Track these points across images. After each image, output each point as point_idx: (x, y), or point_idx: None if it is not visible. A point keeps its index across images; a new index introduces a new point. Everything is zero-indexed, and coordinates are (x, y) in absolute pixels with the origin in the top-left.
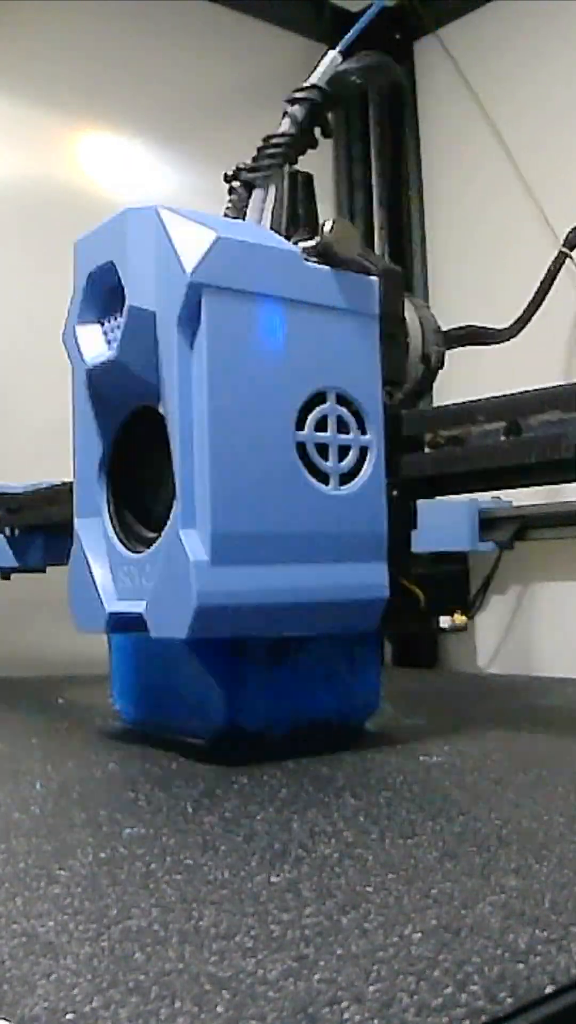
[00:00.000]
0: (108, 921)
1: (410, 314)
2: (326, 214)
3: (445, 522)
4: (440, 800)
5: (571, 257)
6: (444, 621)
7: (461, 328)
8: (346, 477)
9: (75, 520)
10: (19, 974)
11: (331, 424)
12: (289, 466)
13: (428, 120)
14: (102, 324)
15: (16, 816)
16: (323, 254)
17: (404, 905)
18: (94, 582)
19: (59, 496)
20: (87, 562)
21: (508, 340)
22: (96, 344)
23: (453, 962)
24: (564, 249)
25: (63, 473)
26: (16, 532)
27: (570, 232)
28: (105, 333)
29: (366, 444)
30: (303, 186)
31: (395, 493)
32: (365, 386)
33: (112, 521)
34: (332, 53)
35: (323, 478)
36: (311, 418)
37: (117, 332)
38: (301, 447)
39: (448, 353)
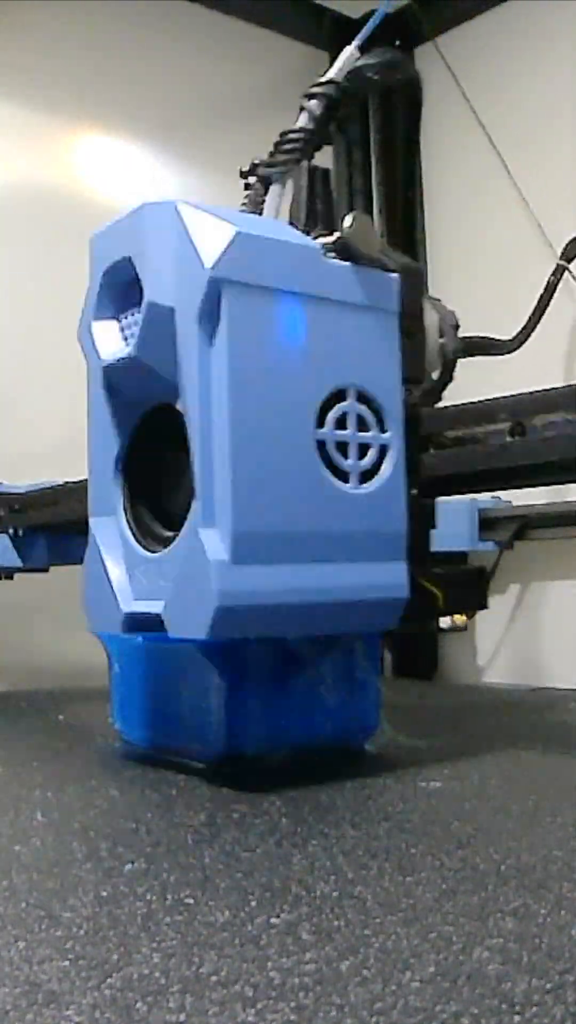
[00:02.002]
0: (110, 967)
1: (428, 311)
2: None
3: (445, 522)
4: (439, 831)
5: (569, 270)
6: (443, 621)
7: (470, 338)
8: (366, 475)
9: (90, 519)
10: None
11: (351, 422)
12: (309, 464)
13: (428, 127)
14: (119, 320)
15: (17, 849)
16: (342, 250)
17: (403, 950)
18: (110, 582)
19: (61, 496)
20: (102, 561)
21: (511, 352)
22: (113, 341)
23: (450, 1014)
24: (562, 262)
25: (70, 473)
26: (20, 532)
27: (568, 243)
28: (122, 330)
29: (386, 442)
30: (321, 181)
31: (414, 492)
32: (385, 384)
33: (128, 520)
34: (349, 48)
35: (343, 476)
36: (331, 416)
37: (135, 328)
38: (321, 445)
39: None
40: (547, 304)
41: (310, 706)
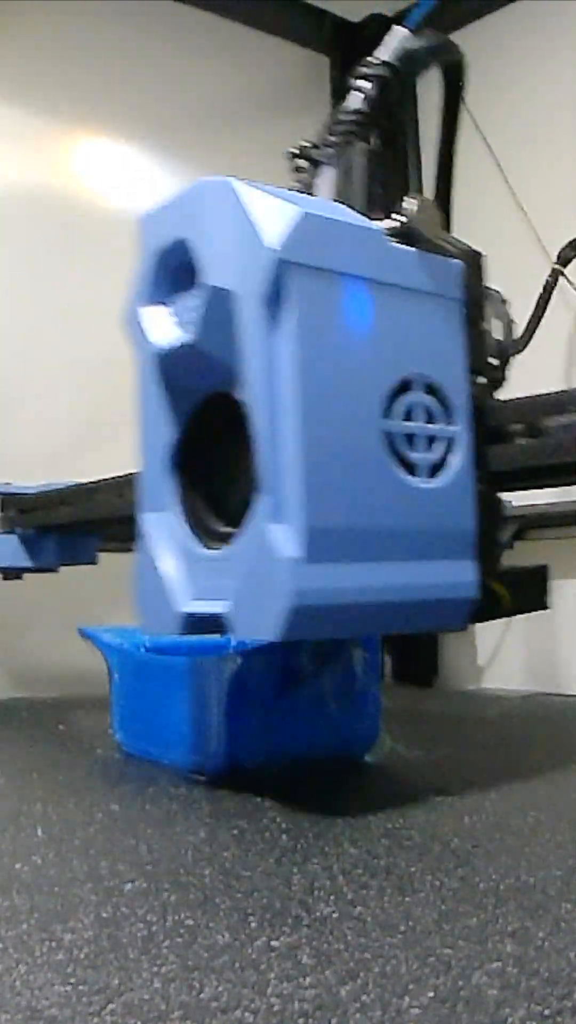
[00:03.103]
0: (111, 993)
1: (487, 302)
2: None
3: None
4: (439, 848)
5: (564, 274)
6: None
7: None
8: (434, 469)
9: (140, 515)
10: None
11: (418, 413)
12: (377, 456)
13: (425, 129)
14: (167, 305)
15: (18, 867)
16: (407, 234)
17: (402, 974)
18: (164, 582)
19: (70, 497)
20: (156, 560)
21: (517, 354)
22: (165, 327)
23: None
24: (557, 266)
25: (75, 474)
26: (29, 532)
27: (564, 248)
28: (175, 315)
29: (453, 435)
30: (379, 164)
31: (482, 487)
32: (451, 374)
33: (184, 516)
34: (402, 29)
35: (411, 470)
36: (399, 406)
37: (192, 314)
38: (388, 436)
39: None
40: (545, 307)
41: (310, 718)
